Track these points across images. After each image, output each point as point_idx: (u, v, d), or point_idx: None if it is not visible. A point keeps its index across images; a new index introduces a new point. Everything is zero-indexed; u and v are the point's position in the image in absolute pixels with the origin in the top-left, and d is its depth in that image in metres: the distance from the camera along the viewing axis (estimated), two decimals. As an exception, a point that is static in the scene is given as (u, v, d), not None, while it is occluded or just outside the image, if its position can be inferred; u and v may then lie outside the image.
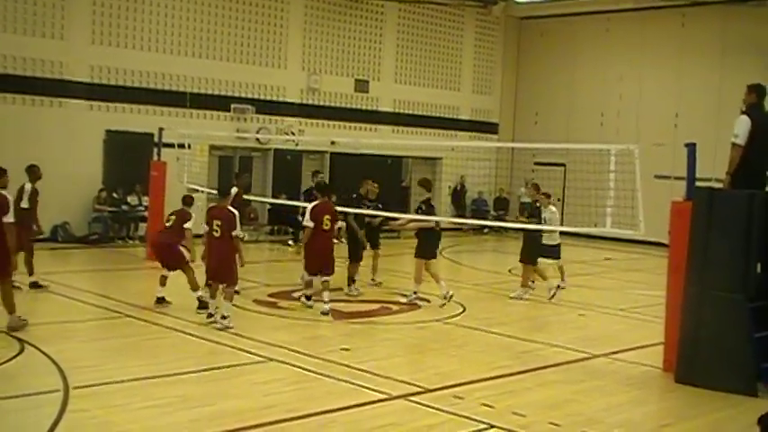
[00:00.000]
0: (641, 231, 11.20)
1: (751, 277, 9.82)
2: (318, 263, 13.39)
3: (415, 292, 14.36)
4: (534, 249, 15.39)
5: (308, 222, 13.45)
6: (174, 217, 13.33)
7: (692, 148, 10.42)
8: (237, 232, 12.01)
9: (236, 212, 12.02)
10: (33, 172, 14.09)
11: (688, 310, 10.06)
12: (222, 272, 12.01)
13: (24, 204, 13.31)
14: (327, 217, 13.42)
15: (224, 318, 11.72)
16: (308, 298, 13.68)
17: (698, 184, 10.44)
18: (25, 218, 12.92)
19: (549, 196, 15.96)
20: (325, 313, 13.00)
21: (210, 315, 12.09)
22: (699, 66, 26.23)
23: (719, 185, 10.45)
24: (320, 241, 13.42)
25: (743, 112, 10.21)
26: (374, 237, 15.98)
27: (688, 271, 10.09)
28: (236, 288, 12.48)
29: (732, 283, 9.79)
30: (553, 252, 15.98)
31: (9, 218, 10.70)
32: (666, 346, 10.59)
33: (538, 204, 15.62)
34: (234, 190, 14.84)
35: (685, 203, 10.38)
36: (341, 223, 15.14)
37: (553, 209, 15.82)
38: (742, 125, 10.05)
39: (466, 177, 27.59)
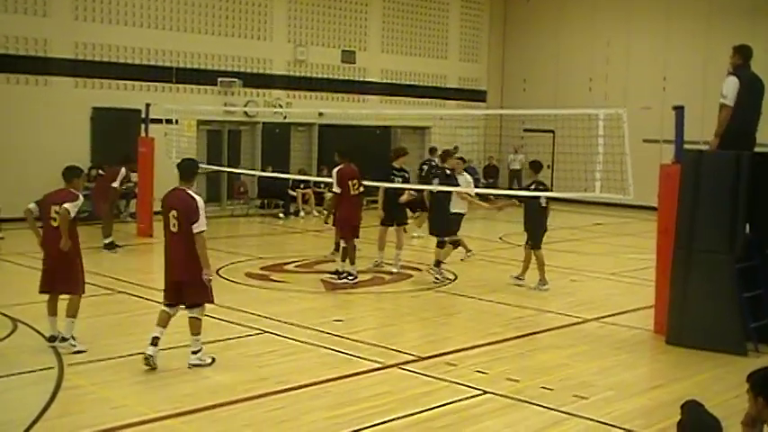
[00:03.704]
0: (630, 195, 11.24)
1: (739, 238, 9.88)
2: (353, 228, 13.44)
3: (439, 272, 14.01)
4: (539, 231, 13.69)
5: (336, 188, 13.40)
6: None
7: (680, 111, 10.44)
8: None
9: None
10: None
11: (677, 272, 10.13)
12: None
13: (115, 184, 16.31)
14: (354, 181, 13.38)
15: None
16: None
17: (686, 146, 10.47)
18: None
19: (464, 161, 15.91)
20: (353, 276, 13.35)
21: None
22: (686, 29, 26.16)
23: (707, 148, 10.47)
24: (350, 206, 13.42)
25: (730, 73, 10.20)
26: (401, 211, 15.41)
27: (677, 233, 10.14)
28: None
29: (720, 245, 9.85)
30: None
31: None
32: (657, 308, 10.67)
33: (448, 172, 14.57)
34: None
35: (674, 166, 10.41)
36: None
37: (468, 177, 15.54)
38: (730, 86, 10.05)
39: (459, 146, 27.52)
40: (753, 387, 4.63)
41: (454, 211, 14.29)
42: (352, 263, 13.48)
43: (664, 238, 10.47)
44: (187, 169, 9.03)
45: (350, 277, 13.40)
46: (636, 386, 8.70)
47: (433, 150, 22.60)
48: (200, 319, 8.73)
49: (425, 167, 21.17)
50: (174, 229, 8.62)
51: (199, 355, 8.70)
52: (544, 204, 13.26)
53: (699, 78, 24.20)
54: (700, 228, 9.98)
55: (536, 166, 13.61)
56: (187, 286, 8.63)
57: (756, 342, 9.86)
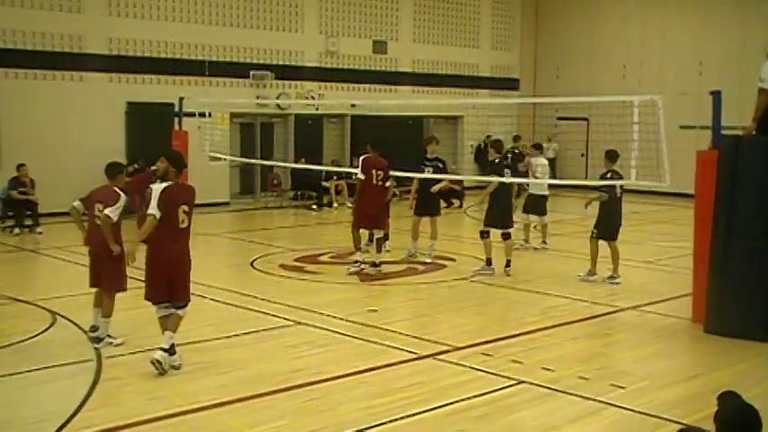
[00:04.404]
0: (667, 183, 11.12)
1: (779, 224, 9.72)
2: (365, 218, 13.40)
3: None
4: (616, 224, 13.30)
5: (360, 175, 13.40)
6: None
7: (717, 95, 10.29)
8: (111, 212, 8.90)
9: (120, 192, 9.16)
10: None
11: (715, 259, 10.00)
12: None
13: None
14: (378, 171, 13.35)
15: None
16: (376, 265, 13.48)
17: (723, 132, 10.32)
18: None
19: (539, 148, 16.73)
20: (376, 266, 13.39)
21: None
22: (722, 12, 25.78)
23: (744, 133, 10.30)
24: (369, 196, 13.39)
25: (768, 57, 10.03)
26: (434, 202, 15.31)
27: (714, 220, 10.01)
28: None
29: (759, 231, 9.70)
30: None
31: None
32: (694, 296, 10.54)
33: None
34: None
35: (711, 152, 10.27)
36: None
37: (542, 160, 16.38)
38: (768, 69, 9.89)
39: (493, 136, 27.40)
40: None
41: (535, 192, 15.50)
42: (356, 248, 13.48)
43: (701, 225, 10.34)
44: (178, 161, 8.68)
45: (356, 264, 13.41)
46: (673, 375, 8.61)
47: (516, 138, 22.73)
48: (181, 317, 8.42)
49: (509, 156, 21.51)
50: (184, 225, 8.30)
51: (175, 356, 8.28)
52: (619, 195, 12.91)
53: (736, 63, 23.84)
54: (738, 214, 9.83)
55: (612, 156, 12.99)
56: (184, 283, 8.43)
57: (796, 330, 9.71)
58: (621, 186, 12.84)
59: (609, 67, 27.97)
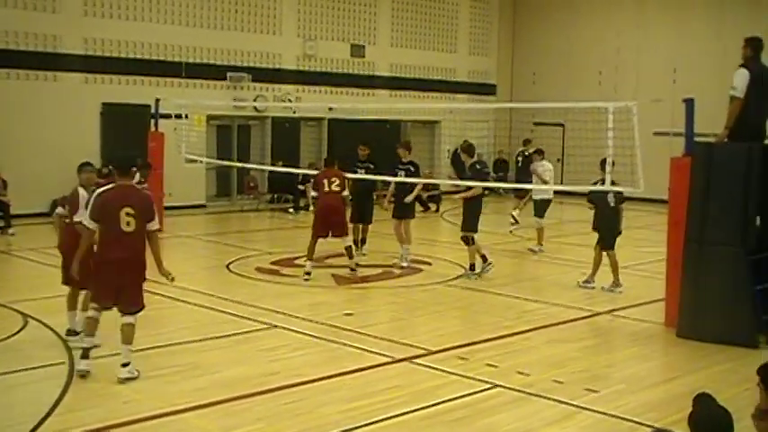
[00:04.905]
0: (641, 188, 11.21)
1: (750, 230, 9.85)
2: (323, 226, 13.36)
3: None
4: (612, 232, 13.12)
5: (313, 193, 13.52)
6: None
7: (690, 103, 10.40)
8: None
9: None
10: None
11: (688, 264, 10.10)
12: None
13: None
14: (331, 179, 13.44)
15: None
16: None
17: (697, 139, 10.43)
18: None
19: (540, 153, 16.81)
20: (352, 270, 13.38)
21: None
22: (697, 20, 26.04)
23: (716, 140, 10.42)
24: (325, 205, 13.41)
25: (741, 66, 10.16)
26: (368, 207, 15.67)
27: (688, 226, 10.12)
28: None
29: (732, 237, 9.82)
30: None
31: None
32: (667, 301, 10.64)
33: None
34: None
35: (684, 159, 10.38)
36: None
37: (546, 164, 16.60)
38: (741, 78, 10.01)
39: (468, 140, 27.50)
40: (764, 380, 4.61)
41: (543, 197, 15.86)
42: (309, 258, 13.27)
43: (675, 230, 10.45)
44: (125, 163, 8.50)
45: (305, 275, 13.20)
46: (647, 379, 8.69)
47: (526, 142, 23.12)
48: (134, 326, 8.15)
49: (520, 159, 23.14)
50: (129, 229, 7.98)
51: (130, 367, 8.02)
52: (613, 204, 12.80)
53: (710, 71, 24.04)
54: (711, 220, 9.94)
55: (603, 164, 12.60)
56: (133, 289, 8.16)
57: (768, 335, 9.84)
58: (618, 194, 12.67)
59: (585, 73, 28.15)
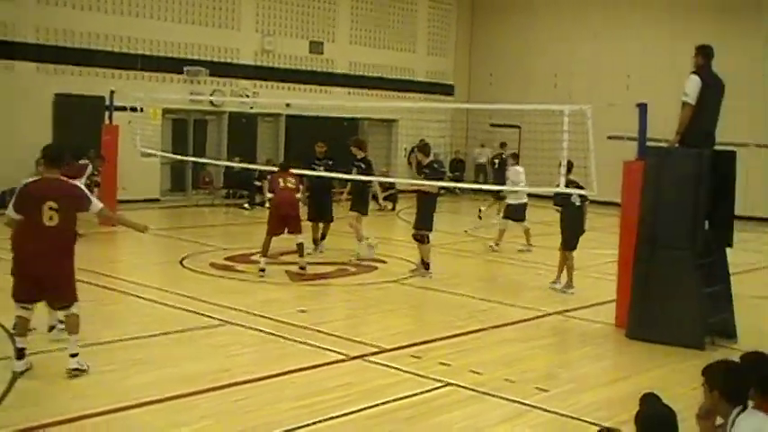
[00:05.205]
0: (594, 191, 11.35)
1: (699, 234, 10.02)
2: (279, 224, 13.34)
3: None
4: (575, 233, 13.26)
5: (268, 195, 13.70)
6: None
7: (643, 108, 10.56)
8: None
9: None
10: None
11: (639, 266, 10.26)
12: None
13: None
14: (285, 179, 13.50)
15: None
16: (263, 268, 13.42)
17: (649, 144, 10.60)
18: None
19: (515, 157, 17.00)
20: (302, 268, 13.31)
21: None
22: (650, 27, 26.40)
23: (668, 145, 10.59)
24: (280, 202, 13.41)
25: (693, 73, 10.33)
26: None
27: (639, 229, 10.27)
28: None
29: (681, 241, 9.99)
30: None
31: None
32: (618, 303, 10.79)
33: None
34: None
35: (637, 163, 10.54)
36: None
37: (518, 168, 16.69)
38: (692, 85, 10.17)
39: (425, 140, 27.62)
40: (708, 381, 4.73)
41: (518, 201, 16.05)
42: (264, 254, 13.25)
43: (626, 233, 10.60)
44: (53, 154, 8.18)
45: (260, 272, 13.18)
46: (597, 379, 8.81)
47: (503, 145, 23.32)
48: (78, 316, 7.94)
49: (497, 161, 23.35)
50: (51, 223, 7.65)
51: (78, 358, 7.84)
52: (578, 204, 12.91)
53: (662, 77, 24.37)
54: (661, 224, 10.11)
55: (569, 166, 12.58)
56: (57, 284, 7.82)
57: (714, 337, 10.02)
58: (583, 197, 12.75)
59: (541, 75, 28.41)
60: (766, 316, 12.34)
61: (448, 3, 30.09)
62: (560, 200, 13.01)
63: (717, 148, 10.52)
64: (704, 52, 10.40)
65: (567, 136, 11.40)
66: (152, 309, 10.89)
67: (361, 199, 15.17)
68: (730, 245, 10.72)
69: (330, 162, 15.23)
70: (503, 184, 18.06)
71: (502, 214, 16.96)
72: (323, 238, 15.41)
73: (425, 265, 13.68)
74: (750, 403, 4.67)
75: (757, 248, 18.41)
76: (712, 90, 10.26)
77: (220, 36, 23.81)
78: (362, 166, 14.85)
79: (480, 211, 20.32)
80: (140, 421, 6.94)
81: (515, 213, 16.67)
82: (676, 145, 10.29)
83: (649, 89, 22.38)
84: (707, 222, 10.27)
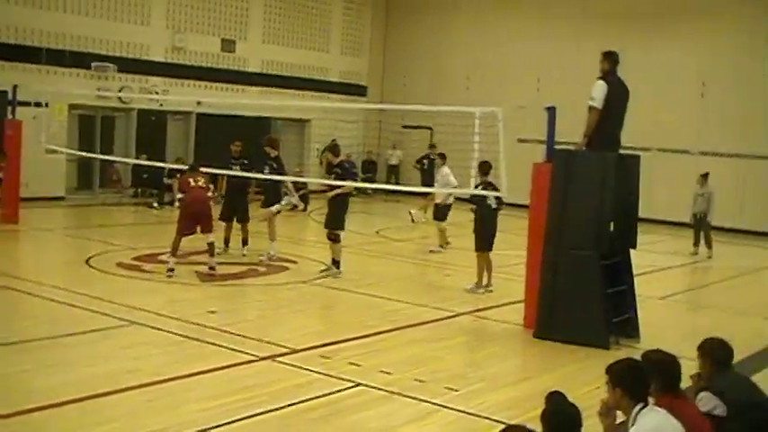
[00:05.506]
0: (504, 193, 11.53)
1: (604, 236, 10.28)
2: (191, 223, 13.17)
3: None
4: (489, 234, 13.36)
5: (179, 195, 13.60)
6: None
7: (551, 111, 10.78)
8: None
9: None
10: None
11: (546, 267, 10.46)
12: None
13: None
14: (195, 179, 13.36)
15: None
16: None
17: (557, 147, 10.83)
18: None
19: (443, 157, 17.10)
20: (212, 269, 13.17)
21: None
22: (559, 32, 26.93)
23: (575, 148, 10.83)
24: (192, 200, 13.23)
25: (599, 78, 10.60)
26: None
27: (547, 230, 10.48)
28: None
29: (587, 242, 10.22)
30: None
31: None
32: (527, 303, 10.98)
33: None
34: None
35: (545, 165, 10.74)
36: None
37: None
38: (599, 90, 10.44)
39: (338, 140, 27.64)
40: (611, 378, 4.86)
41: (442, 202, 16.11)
42: (172, 254, 13.07)
43: (534, 235, 10.79)
44: None
45: (168, 271, 12.98)
46: (505, 378, 8.96)
47: (432, 146, 23.37)
48: None
49: (426, 162, 23.61)
50: None
51: None
52: (495, 206, 12.97)
53: (571, 81, 24.91)
54: (568, 225, 10.33)
55: (484, 168, 12.88)
56: None
57: (618, 336, 10.29)
58: (498, 198, 12.79)
59: (453, 78, 28.71)
60: (668, 315, 12.77)
61: (362, 3, 30.14)
62: (476, 201, 13.15)
63: (622, 151, 10.81)
64: (610, 58, 10.68)
65: (478, 138, 11.56)
66: (57, 310, 10.59)
67: (273, 197, 15.07)
68: (634, 246, 11.04)
69: (245, 162, 15.14)
70: (431, 185, 18.22)
71: (430, 215, 17.13)
72: (244, 243, 15.17)
73: (336, 263, 13.69)
74: (651, 400, 4.82)
75: (660, 250, 18.99)
76: (618, 95, 10.55)
77: (130, 32, 23.31)
78: (274, 165, 14.77)
79: (411, 213, 20.39)
80: (46, 426, 6.74)
81: (441, 213, 16.90)
82: (583, 148, 10.54)
83: (558, 93, 22.89)
84: (612, 224, 10.54)
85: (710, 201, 18.74)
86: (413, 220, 20.36)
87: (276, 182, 14.99)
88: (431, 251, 16.80)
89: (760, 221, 23.33)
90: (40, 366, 8.18)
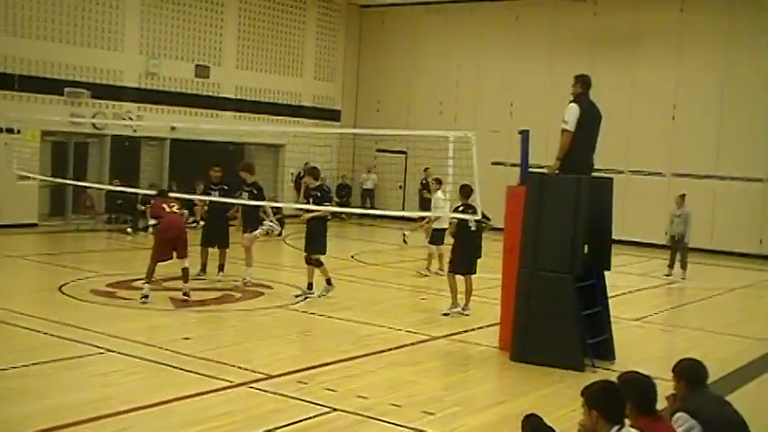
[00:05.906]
0: (478, 216, 11.58)
1: (578, 258, 10.33)
2: (166, 249, 13.09)
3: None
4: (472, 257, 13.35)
5: (152, 221, 13.35)
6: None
7: (525, 134, 10.87)
8: None
9: None
10: None
11: (521, 290, 10.49)
12: None
13: None
14: (169, 204, 13.33)
15: None
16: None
17: (531, 170, 10.89)
18: None
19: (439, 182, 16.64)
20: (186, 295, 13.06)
21: None
22: (531, 56, 27.19)
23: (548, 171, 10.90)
24: (167, 226, 13.16)
25: (571, 101, 10.70)
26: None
27: (521, 252, 10.51)
28: None
29: (561, 264, 10.26)
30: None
31: None
32: (502, 326, 11.00)
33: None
34: None
35: (519, 188, 10.80)
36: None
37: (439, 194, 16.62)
38: (572, 112, 10.53)
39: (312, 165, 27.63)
40: (587, 401, 4.87)
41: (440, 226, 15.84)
42: (147, 281, 12.93)
43: (509, 257, 10.84)
44: None
45: (143, 298, 12.85)
46: (481, 401, 8.95)
47: (426, 170, 23.21)
48: None
49: (420, 186, 23.87)
50: None
51: None
52: (474, 228, 12.90)
53: (543, 105, 25.17)
54: (542, 248, 10.37)
55: (465, 191, 12.71)
56: None
57: (593, 358, 10.32)
58: (479, 220, 12.74)
59: (427, 102, 28.86)
60: (643, 337, 12.82)
61: (335, 28, 30.27)
62: (456, 223, 13.14)
63: (595, 174, 10.90)
64: (583, 81, 10.79)
65: (452, 162, 11.63)
66: (29, 337, 10.47)
67: (252, 222, 15.02)
68: (608, 268, 11.10)
69: (225, 187, 15.13)
70: (428, 209, 18.11)
71: (428, 239, 16.97)
72: (221, 268, 15.12)
73: (328, 281, 13.83)
74: (627, 422, 4.83)
75: (634, 271, 19.11)
76: (590, 118, 10.64)
77: (103, 57, 23.23)
78: (254, 191, 14.76)
79: (405, 235, 20.54)
80: (14, 455, 6.65)
81: (438, 238, 16.62)
82: (557, 171, 10.61)
83: (531, 116, 23.12)
84: (586, 246, 10.60)
85: (687, 222, 18.82)
86: (405, 242, 20.41)
87: (256, 207, 14.97)
88: (424, 275, 16.80)
89: (732, 242, 23.58)
90: (11, 395, 8.08)
